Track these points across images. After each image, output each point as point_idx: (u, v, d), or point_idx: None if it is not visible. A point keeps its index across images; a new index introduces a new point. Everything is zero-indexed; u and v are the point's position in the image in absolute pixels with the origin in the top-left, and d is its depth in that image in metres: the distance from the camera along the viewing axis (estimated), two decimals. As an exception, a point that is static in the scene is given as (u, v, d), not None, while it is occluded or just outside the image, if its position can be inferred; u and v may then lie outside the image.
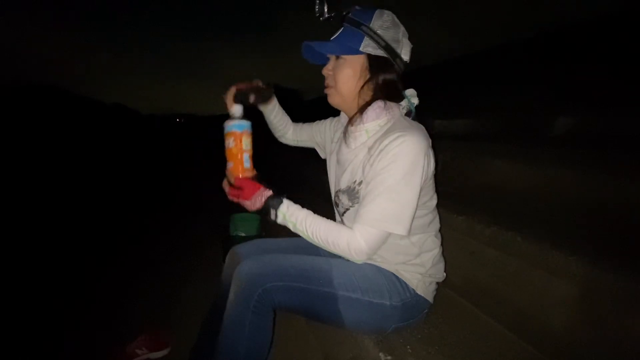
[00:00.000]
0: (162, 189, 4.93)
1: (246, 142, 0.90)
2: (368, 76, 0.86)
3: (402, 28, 0.86)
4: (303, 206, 0.87)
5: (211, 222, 2.80)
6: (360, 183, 0.87)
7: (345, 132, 0.93)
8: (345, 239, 0.80)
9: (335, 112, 1.07)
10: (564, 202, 1.15)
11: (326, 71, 0.91)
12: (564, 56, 3.03)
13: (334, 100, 0.92)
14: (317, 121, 1.20)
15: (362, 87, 0.87)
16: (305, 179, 2.71)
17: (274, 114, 1.18)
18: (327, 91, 0.92)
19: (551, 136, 1.75)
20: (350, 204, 0.91)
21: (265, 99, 1.10)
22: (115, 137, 13.20)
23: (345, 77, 0.87)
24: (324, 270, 0.85)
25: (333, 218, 1.10)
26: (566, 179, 1.18)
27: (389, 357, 0.86)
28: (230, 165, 0.90)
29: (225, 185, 0.91)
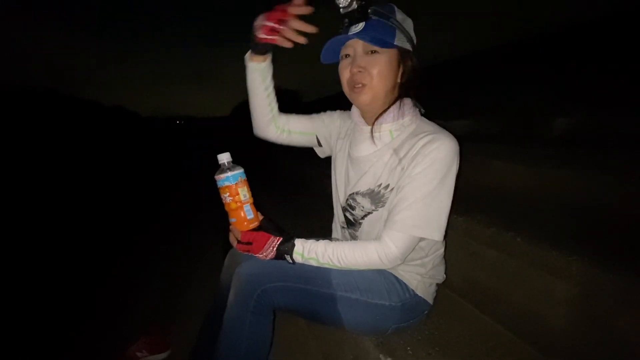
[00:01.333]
0: (163, 191, 4.93)
1: (243, 193, 0.84)
2: (401, 71, 0.85)
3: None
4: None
5: (211, 223, 2.80)
6: (387, 187, 0.85)
7: (363, 133, 0.91)
8: (374, 250, 0.79)
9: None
10: (563, 202, 1.15)
11: (357, 68, 0.82)
12: (563, 56, 3.03)
13: (366, 98, 0.84)
14: (320, 113, 1.08)
15: (397, 82, 0.86)
16: (305, 181, 2.71)
17: (265, 76, 0.95)
18: (359, 90, 0.84)
19: (550, 136, 1.74)
20: (374, 207, 0.89)
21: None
22: (115, 139, 13.21)
23: (383, 70, 0.81)
24: (322, 270, 0.85)
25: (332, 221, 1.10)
26: (566, 180, 1.18)
27: (389, 359, 0.86)
28: (233, 220, 0.86)
29: (232, 240, 0.88)
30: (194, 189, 4.62)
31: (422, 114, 0.90)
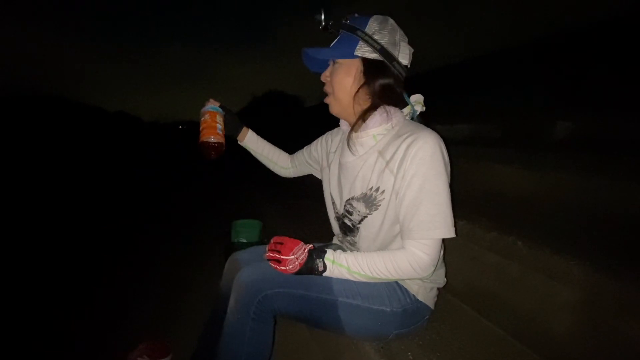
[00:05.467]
0: (165, 195, 4.95)
1: (220, 120, 1.03)
2: (363, 80, 0.86)
3: (400, 32, 0.86)
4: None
5: (212, 228, 2.80)
6: (378, 190, 0.85)
7: (348, 140, 0.92)
8: (406, 260, 0.78)
9: (335, 118, 1.07)
10: (564, 206, 1.14)
11: (324, 77, 0.92)
12: (564, 60, 3.03)
13: (333, 108, 0.92)
14: (312, 143, 1.20)
15: (358, 91, 0.86)
16: (306, 186, 2.70)
17: (256, 145, 1.21)
18: (326, 99, 0.92)
19: (552, 140, 1.74)
20: (368, 211, 0.89)
21: (235, 129, 1.16)
22: (118, 144, 13.29)
23: (341, 81, 0.86)
24: (324, 277, 0.85)
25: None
26: (567, 183, 1.17)
27: (390, 364, 0.86)
28: (205, 131, 0.99)
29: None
30: (197, 194, 4.64)
31: (413, 116, 0.92)
